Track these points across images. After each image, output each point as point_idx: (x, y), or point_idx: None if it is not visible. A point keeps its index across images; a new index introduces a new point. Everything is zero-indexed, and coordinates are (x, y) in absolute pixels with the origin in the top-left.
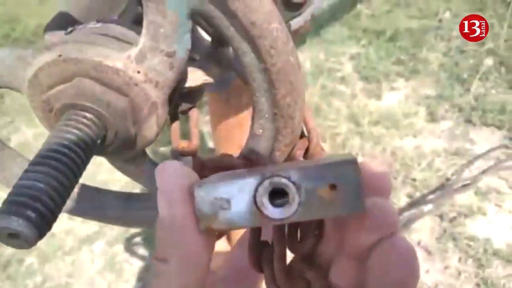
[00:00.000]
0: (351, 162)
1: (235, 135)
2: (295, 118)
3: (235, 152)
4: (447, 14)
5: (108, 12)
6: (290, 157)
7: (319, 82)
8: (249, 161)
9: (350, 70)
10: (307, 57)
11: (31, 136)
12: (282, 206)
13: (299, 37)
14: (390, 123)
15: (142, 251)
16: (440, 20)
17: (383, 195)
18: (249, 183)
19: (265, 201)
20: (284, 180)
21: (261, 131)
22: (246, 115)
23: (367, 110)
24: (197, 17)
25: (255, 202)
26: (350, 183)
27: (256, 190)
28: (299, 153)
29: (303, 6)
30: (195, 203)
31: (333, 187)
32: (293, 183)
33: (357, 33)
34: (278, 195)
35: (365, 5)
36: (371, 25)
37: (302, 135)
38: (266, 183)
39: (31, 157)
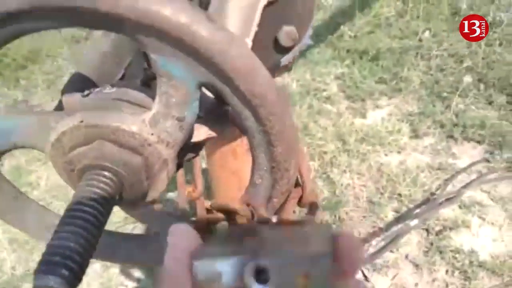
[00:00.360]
0: (326, 256)
1: (229, 162)
2: (291, 170)
3: (230, 178)
4: (427, 34)
5: (116, 68)
6: (286, 202)
7: (306, 102)
8: (249, 208)
9: (335, 90)
10: (294, 78)
11: (24, 161)
12: (265, 282)
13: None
14: (375, 140)
15: (137, 273)
16: (420, 40)
17: (352, 271)
18: (237, 261)
19: (250, 279)
20: (268, 263)
21: (260, 180)
22: (239, 143)
23: (353, 128)
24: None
25: (242, 278)
26: (322, 274)
27: (243, 267)
28: (293, 202)
29: (292, 49)
30: (193, 270)
31: (307, 274)
32: (274, 266)
33: (341, 53)
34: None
35: (348, 27)
36: (354, 46)
37: (297, 184)
38: (252, 264)
39: (24, 188)
